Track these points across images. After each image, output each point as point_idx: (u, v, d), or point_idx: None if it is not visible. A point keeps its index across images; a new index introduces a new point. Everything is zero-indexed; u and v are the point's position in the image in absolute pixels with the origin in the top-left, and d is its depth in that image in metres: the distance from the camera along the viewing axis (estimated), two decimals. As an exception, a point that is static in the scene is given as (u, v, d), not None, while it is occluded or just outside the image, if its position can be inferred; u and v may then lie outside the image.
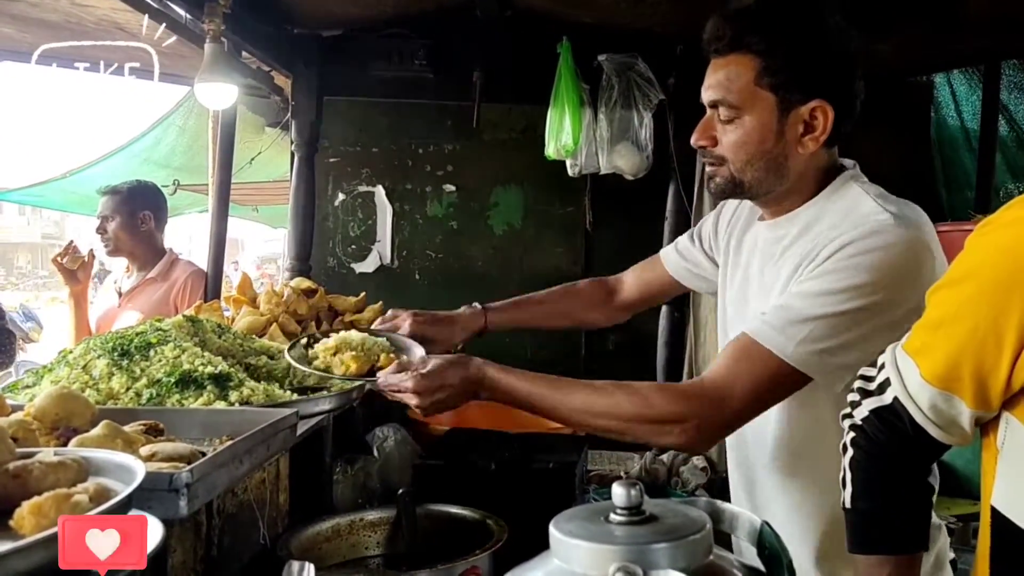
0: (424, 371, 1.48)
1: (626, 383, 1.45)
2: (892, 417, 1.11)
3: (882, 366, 1.14)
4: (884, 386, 1.12)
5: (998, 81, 4.04)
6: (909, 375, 1.09)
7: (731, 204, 1.74)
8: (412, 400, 1.48)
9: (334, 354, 1.65)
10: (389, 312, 1.86)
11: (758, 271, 1.55)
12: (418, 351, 1.68)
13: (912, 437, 1.09)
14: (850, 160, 1.52)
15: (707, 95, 1.46)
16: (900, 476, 1.14)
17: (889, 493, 1.13)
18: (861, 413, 1.15)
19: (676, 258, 1.90)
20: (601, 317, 2.04)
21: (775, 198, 1.50)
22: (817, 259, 1.37)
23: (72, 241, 3.46)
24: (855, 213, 1.39)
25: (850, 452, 1.15)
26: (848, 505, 1.15)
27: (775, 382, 1.35)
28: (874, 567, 1.12)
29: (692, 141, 1.49)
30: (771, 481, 1.53)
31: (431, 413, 1.51)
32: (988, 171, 4.07)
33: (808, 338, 1.31)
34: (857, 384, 1.17)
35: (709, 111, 1.47)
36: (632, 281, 2.01)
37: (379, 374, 1.55)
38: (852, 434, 1.16)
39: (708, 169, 1.50)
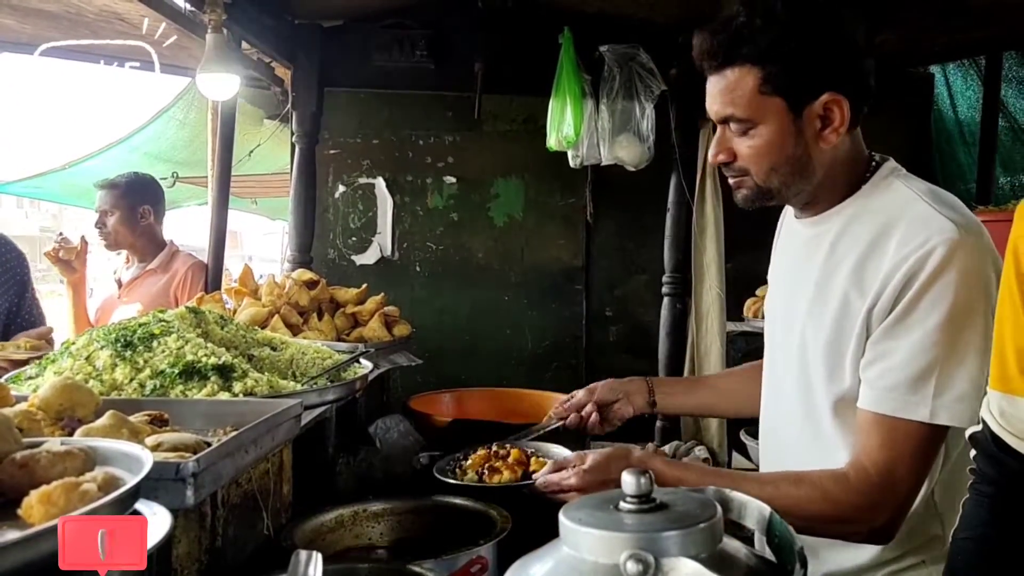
0: (586, 467, 1.42)
1: (797, 476, 1.38)
2: (982, 439, 1.10)
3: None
4: (980, 415, 1.12)
5: (999, 72, 4.03)
6: (988, 391, 1.08)
7: (787, 214, 1.67)
8: (575, 498, 1.37)
9: (484, 465, 1.68)
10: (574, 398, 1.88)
11: (802, 272, 1.50)
12: (563, 452, 1.67)
13: (1001, 458, 1.09)
14: (886, 156, 1.48)
15: (714, 112, 1.42)
16: (999, 510, 1.13)
17: (985, 526, 1.13)
18: (972, 451, 1.13)
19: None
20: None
21: (808, 196, 1.46)
22: (893, 284, 1.31)
23: (61, 233, 3.47)
24: (918, 218, 1.33)
25: (967, 494, 1.14)
26: (950, 536, 1.14)
27: (931, 446, 1.31)
28: None
29: (710, 160, 1.46)
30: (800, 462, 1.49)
31: None
32: (989, 162, 4.07)
33: (940, 391, 1.27)
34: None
35: (720, 126, 1.44)
36: None
37: (537, 475, 1.51)
38: (971, 478, 1.14)
39: (732, 182, 1.46)
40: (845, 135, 1.39)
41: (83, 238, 3.38)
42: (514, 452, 1.68)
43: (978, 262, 1.28)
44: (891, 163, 1.46)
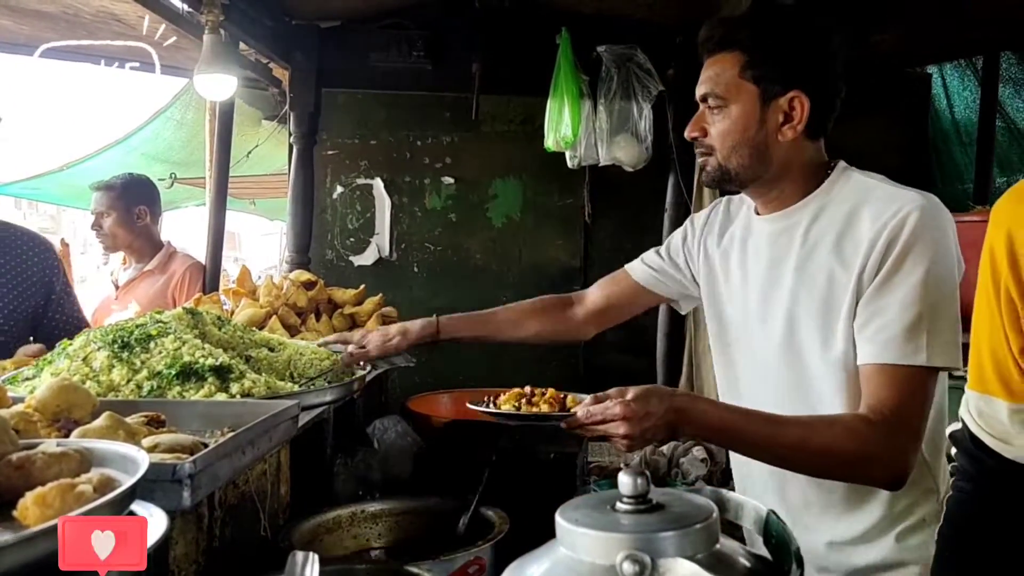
0: (630, 397, 1.40)
1: (830, 418, 1.45)
2: (961, 437, 1.15)
3: None
4: (959, 413, 1.17)
5: (997, 72, 4.03)
6: (967, 392, 1.14)
7: (700, 216, 1.85)
8: (621, 429, 1.38)
9: (524, 401, 1.61)
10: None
11: (775, 262, 1.60)
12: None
13: (979, 456, 1.10)
14: (841, 161, 1.61)
15: (699, 90, 1.58)
16: (978, 506, 1.15)
17: (968, 529, 1.15)
18: (953, 449, 1.19)
19: (640, 266, 1.96)
20: (561, 328, 2.04)
21: (763, 186, 1.60)
22: (876, 250, 1.43)
23: None
24: (884, 195, 1.49)
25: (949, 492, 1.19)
26: (935, 536, 1.19)
27: (930, 389, 1.39)
28: None
29: (685, 133, 1.60)
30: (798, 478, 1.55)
31: (638, 445, 1.42)
32: (987, 163, 4.07)
33: (933, 337, 1.37)
34: None
35: (701, 105, 1.59)
36: (596, 292, 2.04)
37: (578, 407, 1.47)
38: (951, 476, 1.20)
39: (699, 160, 1.61)
40: (807, 141, 1.56)
41: (63, 240, 3.38)
42: (550, 391, 1.62)
43: (945, 227, 1.43)
44: (842, 164, 1.60)
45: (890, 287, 1.41)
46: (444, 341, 2.04)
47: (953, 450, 1.20)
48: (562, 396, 1.61)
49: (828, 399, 1.51)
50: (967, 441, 1.12)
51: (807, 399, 1.53)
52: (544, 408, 1.56)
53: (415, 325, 2.05)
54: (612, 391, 1.46)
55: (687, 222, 1.90)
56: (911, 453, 1.37)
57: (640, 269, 1.96)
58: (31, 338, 2.45)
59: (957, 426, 1.17)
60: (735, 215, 1.75)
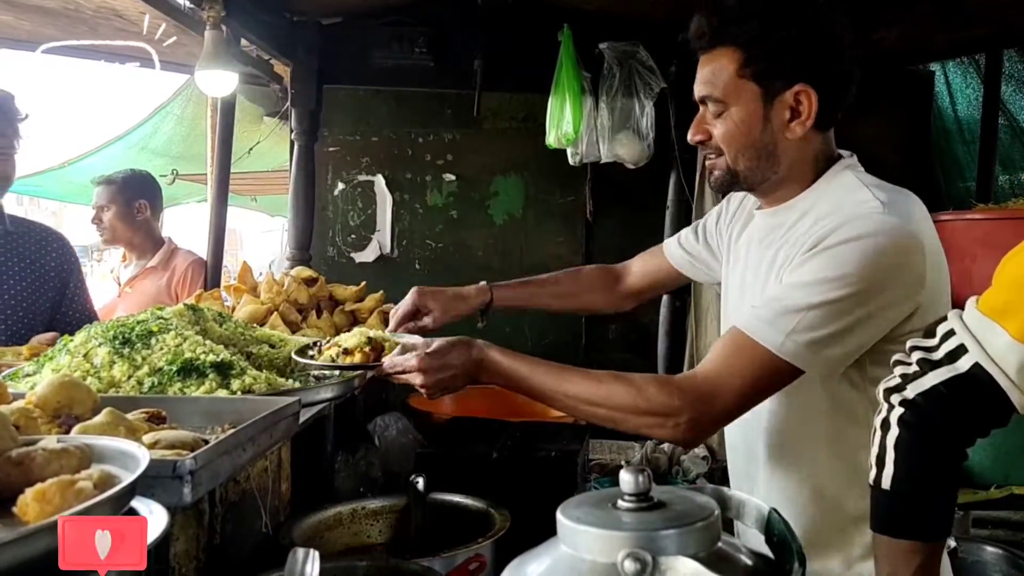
0: (428, 351, 1.49)
1: (624, 374, 1.44)
2: (970, 385, 1.04)
3: (947, 334, 1.09)
4: (957, 354, 1.07)
5: (1000, 69, 4.02)
6: (993, 338, 1.03)
7: (736, 198, 1.76)
8: (417, 379, 1.49)
9: (341, 351, 1.67)
10: (410, 297, 1.92)
11: (756, 261, 1.56)
12: (416, 339, 1.68)
13: (986, 407, 1.04)
14: (848, 151, 1.53)
15: (696, 92, 1.49)
16: (950, 458, 1.09)
17: (936, 477, 1.08)
18: (920, 386, 1.09)
19: (678, 249, 1.93)
20: (605, 302, 2.05)
21: (772, 187, 1.52)
22: (805, 246, 1.37)
23: None
24: (847, 201, 1.40)
25: (895, 431, 1.10)
26: (886, 486, 1.10)
27: (767, 376, 1.36)
28: (905, 553, 1.09)
29: (688, 138, 1.53)
30: (764, 470, 1.54)
31: (435, 394, 1.52)
32: (989, 160, 4.07)
33: (797, 329, 1.32)
34: (915, 356, 1.12)
35: (701, 107, 1.50)
36: (637, 269, 2.04)
37: (384, 358, 1.58)
38: (901, 410, 1.10)
39: (708, 163, 1.53)
40: (815, 133, 1.46)
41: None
42: (375, 337, 1.70)
43: (889, 243, 1.32)
44: (847, 160, 1.51)
45: (790, 273, 1.38)
46: (496, 309, 2.00)
47: (920, 386, 1.09)
48: (379, 342, 1.67)
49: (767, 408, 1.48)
50: (982, 392, 1.02)
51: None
52: (358, 356, 1.63)
53: (470, 291, 1.99)
54: (420, 342, 1.56)
55: (724, 201, 1.81)
56: (700, 421, 1.36)
57: (677, 253, 1.93)
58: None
59: (956, 371, 1.06)
60: (748, 205, 1.70)
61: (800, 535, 1.37)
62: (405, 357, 1.52)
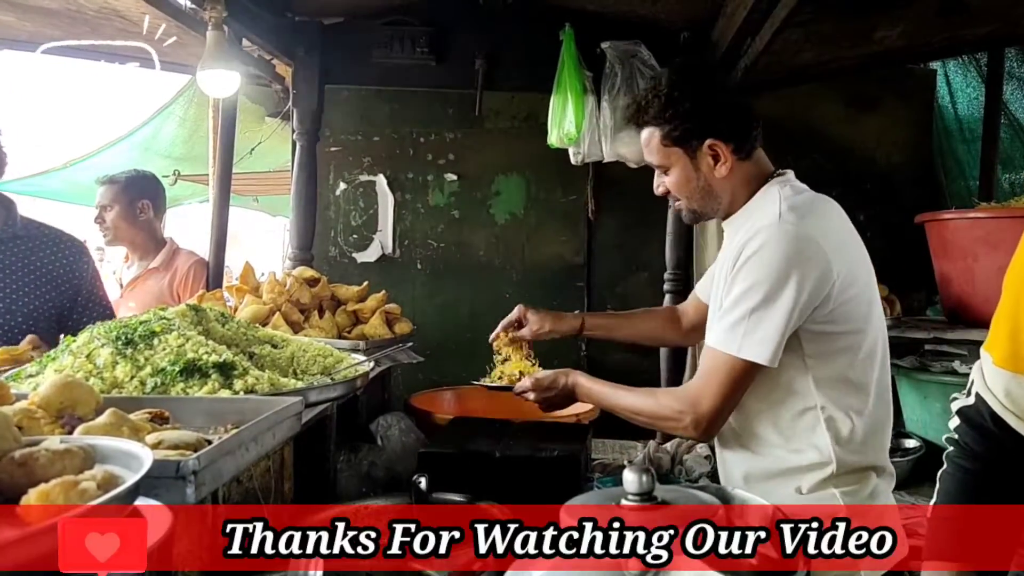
0: (538, 377, 2.05)
1: (652, 389, 1.89)
2: (975, 414, 1.15)
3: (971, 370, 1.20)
4: (970, 387, 1.20)
5: (1002, 68, 4.02)
6: (986, 367, 1.15)
7: None
8: (531, 396, 2.03)
9: (498, 377, 2.20)
10: (516, 310, 2.31)
11: (716, 266, 1.92)
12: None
13: (996, 435, 1.10)
14: (788, 170, 1.85)
15: (645, 159, 1.89)
16: (981, 489, 1.16)
17: (966, 503, 1.15)
18: (954, 422, 1.22)
19: (703, 280, 2.21)
20: (675, 337, 2.34)
21: (724, 212, 1.86)
22: (732, 260, 1.70)
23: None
24: (759, 215, 1.73)
25: (944, 466, 1.22)
26: (929, 515, 1.21)
27: (737, 377, 1.69)
28: None
29: (656, 193, 1.91)
30: (730, 433, 1.87)
31: (546, 409, 2.06)
32: (991, 159, 4.06)
33: (746, 333, 1.65)
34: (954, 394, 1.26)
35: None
36: (689, 309, 2.30)
37: (516, 383, 2.10)
38: (949, 448, 1.22)
39: (675, 205, 1.91)
40: (741, 163, 1.80)
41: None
42: (521, 366, 2.22)
43: (786, 244, 1.64)
44: (780, 179, 1.81)
45: (729, 288, 1.70)
46: (585, 335, 2.36)
47: (953, 423, 1.21)
48: (527, 372, 2.18)
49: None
50: (983, 419, 1.12)
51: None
52: (505, 380, 2.17)
53: (566, 315, 2.35)
54: (539, 372, 2.10)
55: None
56: (699, 420, 1.72)
57: (701, 283, 2.22)
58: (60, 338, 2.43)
59: (967, 401, 1.17)
60: None
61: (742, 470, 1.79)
62: (524, 382, 2.06)
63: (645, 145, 1.86)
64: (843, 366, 1.70)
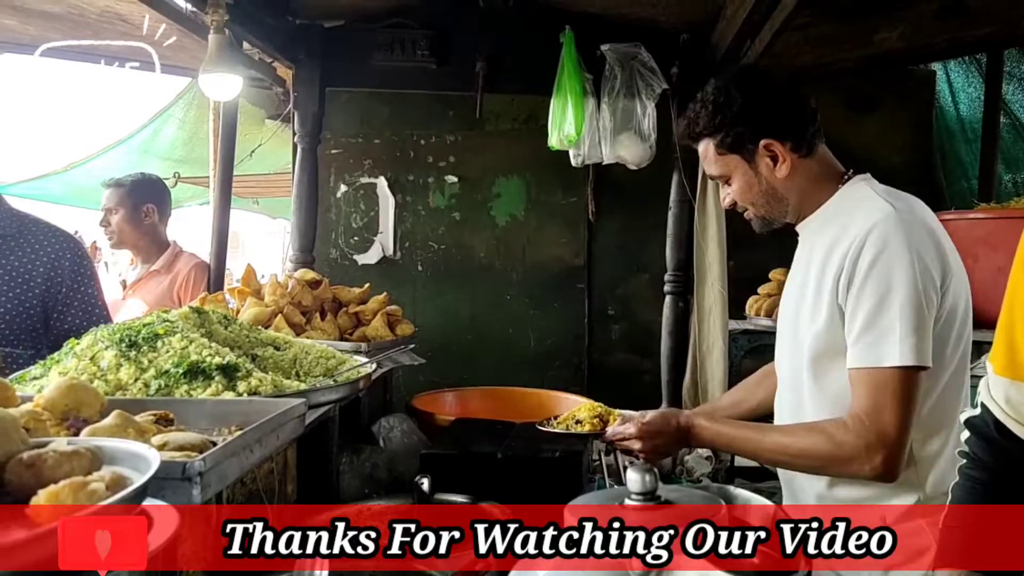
0: (644, 420, 1.80)
1: (809, 424, 1.66)
2: (981, 424, 1.17)
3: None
4: (977, 399, 1.21)
5: (1001, 70, 4.03)
6: (989, 377, 1.17)
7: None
8: (636, 445, 1.78)
9: (575, 421, 1.96)
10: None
11: (793, 271, 1.85)
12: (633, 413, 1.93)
13: (1002, 444, 1.12)
14: (864, 172, 1.78)
15: (707, 174, 1.91)
16: (987, 497, 1.18)
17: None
18: (964, 434, 1.23)
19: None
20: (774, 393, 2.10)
21: (793, 213, 1.80)
22: (847, 263, 1.60)
23: (76, 231, 3.44)
24: (859, 213, 1.64)
25: (956, 478, 1.23)
26: (940, 524, 1.22)
27: (910, 388, 1.54)
28: None
29: (723, 206, 1.89)
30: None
31: (653, 458, 1.79)
32: (991, 160, 4.07)
33: (901, 335, 1.52)
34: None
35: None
36: None
37: (608, 427, 1.87)
38: (962, 461, 1.23)
39: (745, 216, 1.86)
40: (803, 160, 1.75)
41: (94, 243, 3.38)
42: (598, 409, 1.97)
43: (907, 236, 1.56)
44: (863, 176, 1.76)
45: (861, 297, 1.57)
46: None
47: (964, 435, 1.23)
48: (605, 415, 1.95)
49: (809, 398, 1.71)
50: (988, 427, 1.14)
51: (799, 396, 1.75)
52: (587, 426, 1.92)
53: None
54: (636, 414, 1.84)
55: None
56: (890, 453, 1.54)
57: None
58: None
59: (974, 412, 1.19)
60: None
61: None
62: (625, 427, 1.82)
63: (704, 159, 1.83)
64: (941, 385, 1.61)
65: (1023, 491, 1.16)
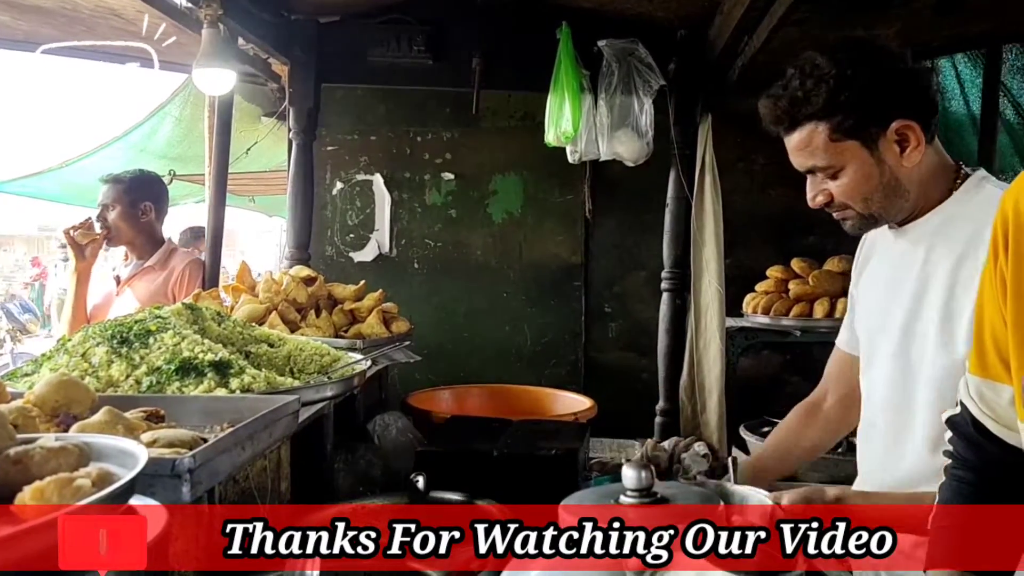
0: (782, 506, 1.33)
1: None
2: (961, 422, 1.16)
3: None
4: (957, 398, 1.20)
5: (999, 65, 4.02)
6: (966, 375, 1.16)
7: (857, 255, 1.82)
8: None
9: None
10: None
11: (894, 278, 1.61)
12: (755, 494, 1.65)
13: (980, 441, 1.12)
14: (977, 166, 1.58)
15: (798, 164, 1.55)
16: (970, 496, 1.17)
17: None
18: (948, 434, 1.21)
19: (845, 334, 1.89)
20: (837, 430, 1.96)
21: (907, 211, 1.56)
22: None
23: (89, 218, 3.40)
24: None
25: (942, 478, 1.22)
26: (929, 524, 1.19)
27: None
28: None
29: (812, 206, 1.58)
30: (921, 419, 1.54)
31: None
32: (989, 153, 4.07)
33: None
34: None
35: (809, 175, 1.56)
36: (831, 382, 1.95)
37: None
38: (947, 461, 1.22)
39: (836, 215, 1.59)
40: (928, 148, 1.51)
41: (103, 231, 3.34)
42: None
43: None
44: (981, 172, 1.56)
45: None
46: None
47: (947, 434, 1.22)
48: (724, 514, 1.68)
49: (924, 426, 1.51)
50: (968, 426, 1.15)
51: (906, 419, 1.55)
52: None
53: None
54: (768, 496, 1.35)
55: (856, 258, 1.85)
56: None
57: (844, 337, 1.90)
58: None
59: (955, 411, 1.19)
60: (872, 235, 1.74)
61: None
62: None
63: (803, 147, 1.52)
64: None
65: (1007, 489, 1.16)
